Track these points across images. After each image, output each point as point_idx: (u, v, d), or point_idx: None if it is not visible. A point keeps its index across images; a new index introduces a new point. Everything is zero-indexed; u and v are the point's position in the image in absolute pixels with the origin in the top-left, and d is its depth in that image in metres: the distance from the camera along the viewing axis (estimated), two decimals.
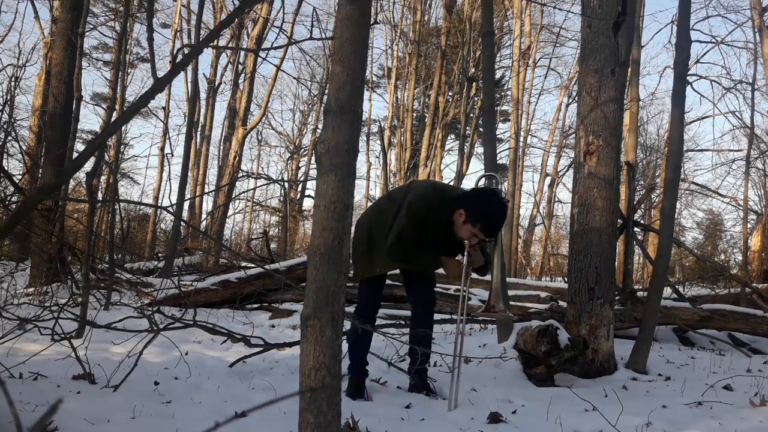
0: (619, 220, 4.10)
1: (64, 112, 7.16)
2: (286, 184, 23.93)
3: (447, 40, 18.37)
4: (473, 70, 18.28)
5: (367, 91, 21.10)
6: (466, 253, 3.00)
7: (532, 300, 5.90)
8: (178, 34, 18.81)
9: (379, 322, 5.10)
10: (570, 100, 20.29)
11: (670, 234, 4.04)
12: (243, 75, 17.40)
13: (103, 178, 16.22)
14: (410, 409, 2.82)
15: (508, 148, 18.28)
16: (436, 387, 3.21)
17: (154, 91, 2.33)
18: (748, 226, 14.12)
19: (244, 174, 21.20)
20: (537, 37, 19.33)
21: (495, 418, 2.66)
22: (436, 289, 3.52)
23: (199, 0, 10.74)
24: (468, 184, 19.72)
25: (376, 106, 60.23)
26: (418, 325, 3.28)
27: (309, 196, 26.08)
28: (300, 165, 27.65)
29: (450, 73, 18.98)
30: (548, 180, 22.61)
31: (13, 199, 4.81)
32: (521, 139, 17.53)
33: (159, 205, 18.86)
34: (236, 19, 13.40)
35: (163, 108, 19.59)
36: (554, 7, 10.13)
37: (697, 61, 13.36)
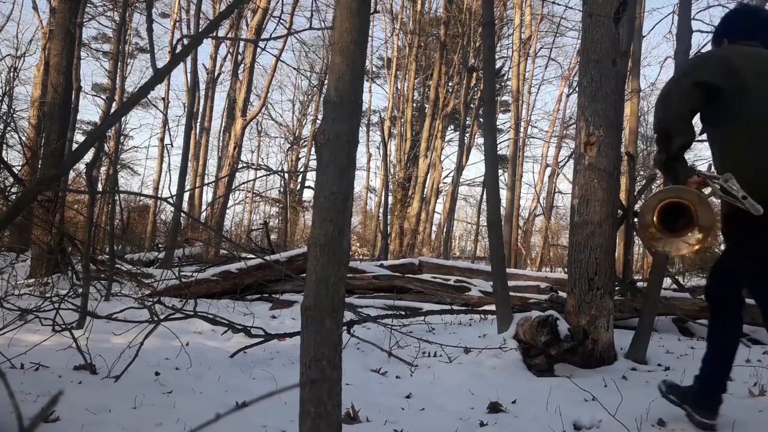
0: (619, 211, 4.09)
1: (63, 103, 7.15)
2: (286, 175, 23.90)
3: (447, 31, 18.30)
4: (473, 60, 18.22)
5: (366, 82, 21.05)
6: None
7: (531, 291, 5.90)
8: (177, 24, 18.74)
9: (377, 312, 5.11)
10: (570, 91, 20.24)
11: None
12: (242, 65, 17.35)
13: (102, 169, 16.21)
14: (410, 398, 2.84)
15: (509, 139, 18.27)
16: None
17: (153, 82, 2.32)
18: None
19: (244, 165, 21.18)
20: (537, 27, 19.26)
21: (495, 407, 2.67)
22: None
23: None
24: (467, 174, 19.64)
25: (376, 96, 60.17)
26: None
27: (309, 187, 26.07)
28: (300, 156, 27.62)
29: (450, 63, 18.92)
30: (548, 171, 22.60)
31: (13, 191, 4.80)
32: (521, 129, 17.49)
33: (159, 196, 18.85)
34: (235, 10, 13.34)
35: (163, 99, 19.57)
36: (553, 2, 10.08)
37: (698, 51, 13.31)
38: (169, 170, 20.21)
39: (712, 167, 2.34)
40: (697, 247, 2.10)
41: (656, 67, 56.68)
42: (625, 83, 4.35)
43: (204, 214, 17.23)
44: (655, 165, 2.35)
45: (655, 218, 2.10)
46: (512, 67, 16.73)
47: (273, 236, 12.55)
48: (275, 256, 6.22)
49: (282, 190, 24.38)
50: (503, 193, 13.69)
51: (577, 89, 4.60)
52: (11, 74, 11.54)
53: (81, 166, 10.60)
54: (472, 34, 17.90)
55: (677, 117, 2.19)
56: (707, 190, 2.20)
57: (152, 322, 3.36)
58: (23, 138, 9.37)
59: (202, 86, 19.75)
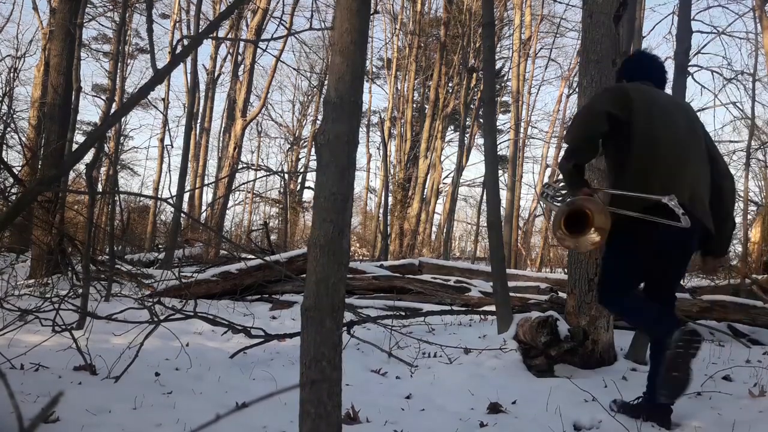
0: None
1: (63, 104, 7.15)
2: (286, 176, 23.91)
3: (447, 31, 18.30)
4: (473, 60, 18.22)
5: (366, 82, 21.05)
6: None
7: (531, 291, 5.90)
8: (177, 24, 18.73)
9: (377, 313, 5.11)
10: (571, 91, 20.21)
11: None
12: (242, 66, 17.36)
13: (102, 170, 16.21)
14: (410, 399, 2.84)
15: (509, 140, 18.27)
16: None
17: (154, 83, 2.33)
18: (749, 217, 14.13)
19: (244, 165, 21.17)
20: (537, 27, 19.26)
21: (495, 408, 2.67)
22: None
23: None
24: (467, 175, 19.66)
25: (376, 97, 60.20)
26: None
27: (309, 187, 26.07)
28: (300, 156, 27.63)
29: (450, 63, 18.92)
30: (548, 171, 22.59)
31: (13, 191, 4.80)
32: (521, 130, 17.50)
33: (159, 196, 18.86)
34: (235, 10, 13.34)
35: (163, 99, 19.55)
36: (554, 0, 10.07)
37: (698, 52, 13.30)
38: (169, 171, 20.19)
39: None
40: (598, 241, 2.57)
41: None
42: None
43: (204, 214, 17.23)
44: (559, 168, 2.77)
45: (562, 224, 2.56)
46: (512, 67, 16.75)
47: (273, 237, 12.55)
48: (275, 257, 6.22)
49: (282, 190, 24.38)
50: (503, 194, 13.70)
51: (577, 90, 4.61)
52: (11, 75, 11.55)
53: (81, 166, 10.59)
54: (472, 35, 17.90)
55: (589, 138, 2.64)
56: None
57: (152, 323, 3.36)
58: (23, 138, 9.39)
59: (202, 87, 19.77)
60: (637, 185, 2.54)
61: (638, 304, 2.67)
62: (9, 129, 7.27)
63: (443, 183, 21.24)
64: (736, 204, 2.77)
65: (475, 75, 17.96)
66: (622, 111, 2.61)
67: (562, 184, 3.03)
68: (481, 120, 12.95)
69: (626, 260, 2.65)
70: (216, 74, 20.52)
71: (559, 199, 2.92)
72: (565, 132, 2.82)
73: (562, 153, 2.88)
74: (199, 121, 20.18)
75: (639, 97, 2.67)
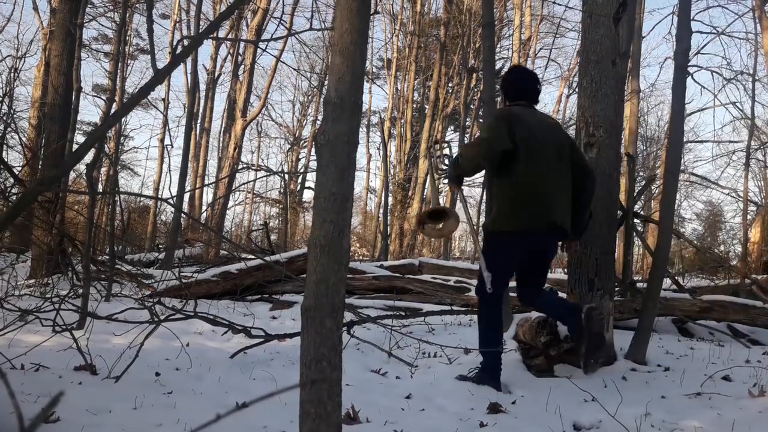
0: (619, 212, 4.09)
1: (63, 104, 7.16)
2: (286, 176, 23.91)
3: (447, 31, 18.30)
4: (473, 61, 18.22)
5: (366, 83, 21.05)
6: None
7: None
8: (177, 25, 18.74)
9: (377, 313, 5.11)
10: (570, 92, 20.20)
11: (669, 225, 4.04)
12: (242, 66, 17.36)
13: (103, 170, 16.21)
14: (410, 399, 2.84)
15: None
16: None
17: (154, 83, 2.33)
18: (748, 217, 14.14)
19: (244, 165, 21.19)
20: (537, 27, 19.25)
21: (495, 408, 2.67)
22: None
23: None
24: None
25: (376, 97, 60.22)
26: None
27: (309, 187, 26.08)
28: (300, 156, 27.66)
29: (450, 64, 18.92)
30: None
31: (13, 191, 4.80)
32: None
33: (159, 196, 18.86)
34: (236, 11, 13.34)
35: (163, 99, 19.55)
36: (554, 2, 10.09)
37: (698, 52, 13.33)
38: (170, 171, 20.17)
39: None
40: (444, 232, 3.62)
41: (656, 67, 56.81)
42: (624, 84, 4.35)
43: (204, 214, 17.24)
44: (452, 166, 3.35)
45: (428, 218, 3.46)
46: None
47: (273, 237, 12.54)
48: (275, 257, 6.22)
49: (282, 190, 24.37)
50: None
51: (576, 90, 4.61)
52: (12, 75, 11.57)
53: (81, 166, 10.57)
54: (472, 35, 17.91)
55: (477, 167, 3.22)
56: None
57: (152, 323, 3.36)
58: (23, 139, 9.38)
59: (203, 87, 19.78)
60: (515, 209, 3.10)
61: (495, 309, 3.19)
62: (9, 129, 7.27)
63: (443, 183, 21.21)
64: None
65: (475, 75, 17.97)
66: (510, 144, 3.03)
67: (447, 154, 3.76)
68: (481, 120, 12.95)
69: (500, 260, 3.19)
70: (216, 74, 20.54)
71: (443, 168, 3.66)
72: (463, 149, 3.44)
73: (459, 153, 3.38)
74: (199, 121, 20.19)
75: (521, 130, 3.07)
